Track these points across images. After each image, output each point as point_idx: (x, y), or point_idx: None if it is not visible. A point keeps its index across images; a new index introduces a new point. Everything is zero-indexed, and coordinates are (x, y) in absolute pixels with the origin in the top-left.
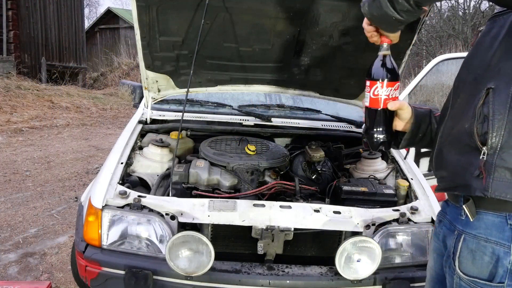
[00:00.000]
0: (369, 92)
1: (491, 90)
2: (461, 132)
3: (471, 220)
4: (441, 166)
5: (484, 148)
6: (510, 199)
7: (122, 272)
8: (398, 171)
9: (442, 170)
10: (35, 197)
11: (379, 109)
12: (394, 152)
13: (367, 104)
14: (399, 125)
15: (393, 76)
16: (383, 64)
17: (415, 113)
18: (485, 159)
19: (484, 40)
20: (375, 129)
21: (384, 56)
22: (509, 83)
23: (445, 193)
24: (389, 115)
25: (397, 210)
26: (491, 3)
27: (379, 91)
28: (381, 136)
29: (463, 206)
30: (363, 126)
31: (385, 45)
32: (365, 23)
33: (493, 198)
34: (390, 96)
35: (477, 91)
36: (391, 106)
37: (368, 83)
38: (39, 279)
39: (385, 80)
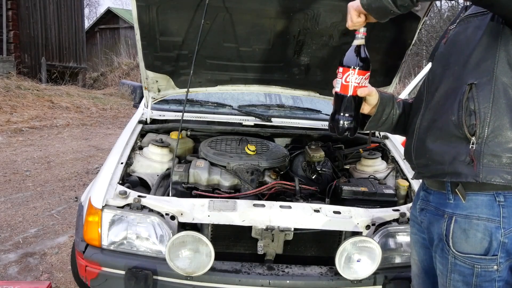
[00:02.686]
0: (341, 78)
1: (474, 86)
2: (447, 124)
3: (463, 202)
4: (423, 155)
5: (473, 138)
6: (498, 182)
7: (122, 272)
8: (398, 171)
9: (424, 159)
10: (35, 197)
11: (348, 95)
12: (394, 152)
13: (337, 90)
14: (366, 108)
15: (365, 65)
16: (358, 53)
17: (380, 97)
18: (474, 148)
19: (459, 39)
20: (342, 115)
21: (359, 45)
22: (491, 80)
23: (423, 182)
24: (357, 102)
25: (397, 210)
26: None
27: (351, 78)
28: (347, 122)
29: (456, 190)
30: (331, 112)
31: (360, 35)
32: (355, 15)
33: (484, 183)
34: (360, 84)
35: (458, 86)
36: (361, 92)
37: (340, 69)
38: (39, 279)
39: (357, 68)
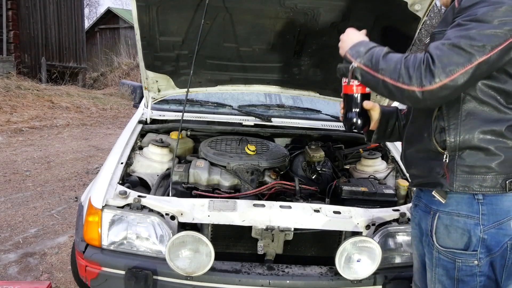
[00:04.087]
0: (344, 80)
1: (444, 105)
2: (422, 139)
3: (443, 202)
4: (410, 166)
5: (445, 152)
6: (471, 191)
7: (122, 272)
8: (398, 171)
9: (412, 169)
10: (35, 197)
11: (352, 94)
12: (394, 152)
13: (343, 91)
14: (371, 124)
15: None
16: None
17: (382, 111)
18: (447, 161)
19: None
20: (351, 111)
21: None
22: (459, 98)
23: None
24: (361, 100)
25: (397, 210)
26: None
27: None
28: (354, 117)
29: (434, 193)
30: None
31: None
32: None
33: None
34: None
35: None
36: (366, 105)
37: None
38: (39, 279)
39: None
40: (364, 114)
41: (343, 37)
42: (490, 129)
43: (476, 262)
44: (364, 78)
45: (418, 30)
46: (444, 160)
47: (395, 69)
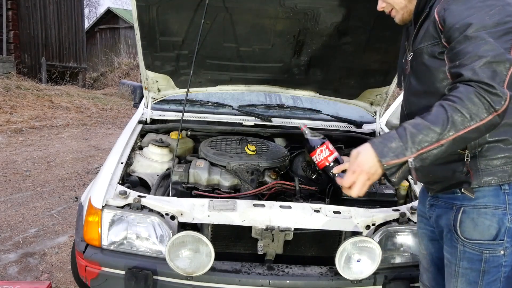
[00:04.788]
0: (317, 155)
1: None
2: None
3: (472, 197)
4: (427, 176)
5: (466, 151)
6: (496, 182)
7: (122, 272)
8: None
9: (429, 178)
10: (35, 197)
11: (329, 164)
12: None
13: (319, 168)
14: None
15: (313, 146)
16: (310, 141)
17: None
18: (469, 160)
19: (420, 69)
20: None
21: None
22: None
23: None
24: (336, 163)
25: (397, 210)
26: None
27: (319, 157)
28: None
29: (463, 191)
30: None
31: (306, 130)
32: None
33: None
34: (325, 155)
35: None
36: (336, 171)
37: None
38: (39, 279)
39: (318, 148)
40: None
41: (354, 168)
42: (504, 122)
43: (502, 251)
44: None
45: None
46: (466, 160)
47: (457, 119)
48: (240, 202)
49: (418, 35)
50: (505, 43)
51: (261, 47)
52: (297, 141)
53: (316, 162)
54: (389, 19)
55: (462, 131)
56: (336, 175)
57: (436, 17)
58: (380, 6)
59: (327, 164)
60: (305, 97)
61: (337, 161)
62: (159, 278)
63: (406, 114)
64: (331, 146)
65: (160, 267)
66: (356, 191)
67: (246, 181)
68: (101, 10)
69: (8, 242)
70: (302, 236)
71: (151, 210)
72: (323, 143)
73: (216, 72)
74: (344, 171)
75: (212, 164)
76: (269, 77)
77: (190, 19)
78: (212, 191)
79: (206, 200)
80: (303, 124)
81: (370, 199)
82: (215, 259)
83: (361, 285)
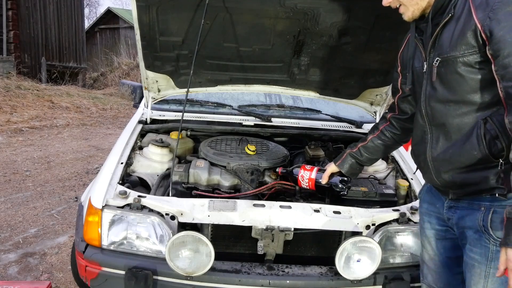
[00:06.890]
0: (302, 181)
1: (489, 119)
2: (470, 158)
3: (506, 199)
4: (453, 184)
5: (500, 159)
6: None
7: (122, 272)
8: (398, 171)
9: (455, 185)
10: (35, 197)
11: (316, 181)
12: (394, 152)
13: (312, 189)
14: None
15: (295, 177)
16: (291, 174)
17: (340, 167)
18: (502, 167)
19: (451, 78)
20: (330, 184)
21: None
22: (500, 110)
23: None
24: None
25: (397, 210)
26: None
27: (305, 181)
28: (338, 185)
29: (499, 196)
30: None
31: (282, 170)
32: None
33: None
34: (308, 176)
35: (467, 123)
36: (325, 181)
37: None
38: (39, 279)
39: (299, 175)
40: (344, 180)
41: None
42: None
43: None
44: None
45: None
46: (499, 167)
47: None
48: (240, 202)
49: (442, 38)
50: None
51: (261, 47)
52: (297, 141)
53: (307, 187)
54: (389, 19)
55: None
56: (332, 185)
57: (479, 25)
58: (387, 1)
59: (316, 179)
60: (305, 97)
61: (321, 171)
62: (159, 278)
63: (428, 119)
64: (307, 166)
65: (160, 267)
66: None
67: (246, 181)
68: (101, 10)
69: (8, 242)
70: (302, 236)
71: (151, 210)
72: (299, 168)
73: (216, 72)
74: (334, 175)
75: (212, 164)
76: (269, 77)
77: (190, 19)
78: (212, 191)
79: (206, 200)
80: (279, 168)
81: (370, 199)
82: (215, 259)
83: (361, 285)
